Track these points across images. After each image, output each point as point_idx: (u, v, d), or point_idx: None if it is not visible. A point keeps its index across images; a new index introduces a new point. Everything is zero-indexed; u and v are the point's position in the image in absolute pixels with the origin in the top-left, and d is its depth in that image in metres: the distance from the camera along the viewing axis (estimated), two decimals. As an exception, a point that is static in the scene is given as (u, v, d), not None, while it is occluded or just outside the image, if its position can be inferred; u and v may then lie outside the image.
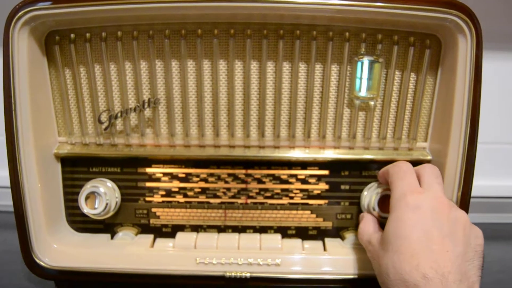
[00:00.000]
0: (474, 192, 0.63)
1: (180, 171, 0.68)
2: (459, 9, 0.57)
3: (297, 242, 0.68)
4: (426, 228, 0.52)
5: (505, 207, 0.97)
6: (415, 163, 0.65)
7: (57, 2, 0.58)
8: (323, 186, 0.68)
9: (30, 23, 0.59)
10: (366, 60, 0.62)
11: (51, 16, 0.59)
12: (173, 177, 0.68)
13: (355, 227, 0.69)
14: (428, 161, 0.66)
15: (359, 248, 0.66)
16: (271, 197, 0.68)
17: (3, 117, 0.61)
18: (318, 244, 0.69)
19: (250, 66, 0.63)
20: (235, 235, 0.68)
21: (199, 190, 0.68)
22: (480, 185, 0.86)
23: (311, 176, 0.68)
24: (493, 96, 0.91)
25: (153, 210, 0.69)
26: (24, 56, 0.60)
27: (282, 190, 0.68)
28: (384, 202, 0.63)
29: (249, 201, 0.69)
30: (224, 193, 0.68)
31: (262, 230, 0.69)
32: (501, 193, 0.97)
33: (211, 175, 0.68)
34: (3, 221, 0.92)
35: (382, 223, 0.67)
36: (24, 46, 0.60)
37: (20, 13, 0.58)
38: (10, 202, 0.64)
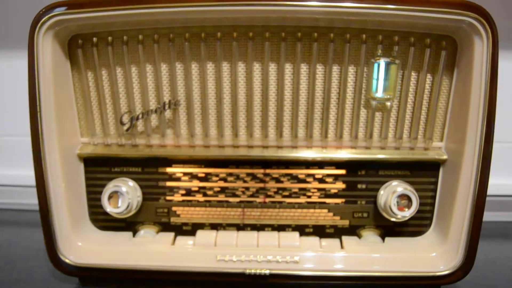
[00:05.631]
0: (489, 191, 0.64)
1: (200, 171, 0.69)
2: (476, 11, 0.58)
3: (315, 240, 0.70)
4: None
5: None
6: (431, 162, 0.66)
7: (72, 8, 0.60)
8: (340, 185, 0.69)
9: (54, 27, 0.61)
10: (382, 62, 0.63)
11: (74, 20, 0.61)
12: (193, 176, 0.69)
13: (372, 225, 0.70)
14: (444, 161, 0.67)
15: (376, 245, 0.68)
16: (289, 196, 0.70)
17: (28, 119, 0.63)
18: (335, 242, 0.70)
19: (268, 68, 0.64)
20: (254, 233, 0.70)
21: (219, 189, 0.70)
22: (496, 184, 0.86)
23: (328, 175, 0.69)
24: (507, 95, 0.92)
25: (174, 208, 0.71)
26: (48, 59, 0.62)
27: (300, 189, 0.69)
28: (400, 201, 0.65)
29: (267, 200, 0.70)
30: (243, 192, 0.70)
31: (280, 228, 0.71)
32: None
33: (230, 174, 0.69)
34: (24, 219, 0.94)
35: (397, 223, 0.68)
36: (48, 50, 0.61)
37: (44, 18, 0.60)
38: (31, 201, 0.65)
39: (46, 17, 0.60)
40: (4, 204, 1.01)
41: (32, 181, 0.65)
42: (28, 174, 0.71)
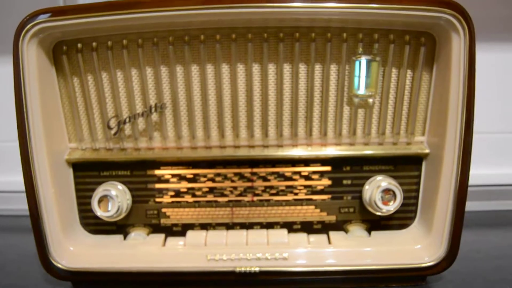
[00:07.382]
0: (473, 181, 0.65)
1: (188, 172, 0.70)
2: (452, 8, 0.59)
3: (303, 236, 0.71)
4: None
5: (504, 194, 1.00)
6: (414, 156, 0.68)
7: (55, 15, 0.60)
8: (326, 181, 0.70)
9: (38, 35, 0.61)
10: (363, 59, 0.64)
11: (58, 27, 0.61)
12: (181, 178, 0.70)
13: (358, 220, 0.71)
14: (426, 155, 0.68)
15: (363, 239, 0.69)
16: (276, 194, 0.71)
17: (16, 125, 0.64)
18: (323, 237, 0.71)
19: (252, 69, 0.65)
20: (243, 232, 0.71)
21: (207, 189, 0.71)
22: (480, 174, 0.88)
23: (314, 172, 0.70)
24: (493, 87, 0.94)
25: (163, 210, 0.72)
26: (33, 66, 0.62)
27: (287, 187, 0.70)
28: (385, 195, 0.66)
29: (255, 198, 0.71)
30: (231, 192, 0.71)
31: (269, 226, 0.72)
32: (499, 181, 1.00)
33: (218, 174, 0.70)
34: (15, 225, 0.95)
35: (383, 217, 0.70)
36: (33, 57, 0.62)
37: (28, 26, 0.60)
38: (20, 207, 0.65)
39: (30, 24, 0.60)
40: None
41: (16, 187, 0.65)
42: (14, 180, 0.71)
